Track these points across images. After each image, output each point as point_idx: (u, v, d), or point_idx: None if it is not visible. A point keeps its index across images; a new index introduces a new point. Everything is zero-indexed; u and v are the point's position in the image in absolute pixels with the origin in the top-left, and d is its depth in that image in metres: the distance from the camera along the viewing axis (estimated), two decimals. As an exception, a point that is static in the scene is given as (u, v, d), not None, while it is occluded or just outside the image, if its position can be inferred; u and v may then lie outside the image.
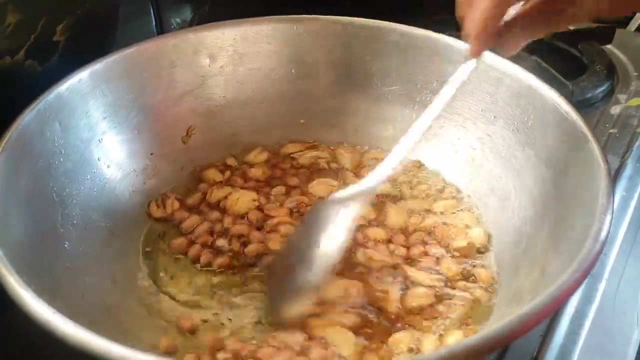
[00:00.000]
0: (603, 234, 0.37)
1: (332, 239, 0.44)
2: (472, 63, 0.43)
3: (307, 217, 0.49)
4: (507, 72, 0.52)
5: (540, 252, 0.44)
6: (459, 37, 0.56)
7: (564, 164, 0.46)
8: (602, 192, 0.40)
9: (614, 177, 0.60)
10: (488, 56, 0.54)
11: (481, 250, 0.50)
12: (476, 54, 0.42)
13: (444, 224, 0.53)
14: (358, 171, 0.59)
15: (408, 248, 0.51)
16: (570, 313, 0.47)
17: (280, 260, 0.49)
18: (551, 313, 0.42)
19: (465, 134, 0.55)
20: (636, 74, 0.78)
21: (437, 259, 0.50)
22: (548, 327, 0.46)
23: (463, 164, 0.56)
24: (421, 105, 0.58)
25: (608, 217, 0.38)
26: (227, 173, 0.58)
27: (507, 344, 0.44)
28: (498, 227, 0.51)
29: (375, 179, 0.44)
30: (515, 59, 0.53)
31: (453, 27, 0.79)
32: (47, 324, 0.33)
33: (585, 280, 0.48)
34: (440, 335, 0.44)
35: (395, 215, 0.54)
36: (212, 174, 0.58)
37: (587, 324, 0.47)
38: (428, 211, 0.54)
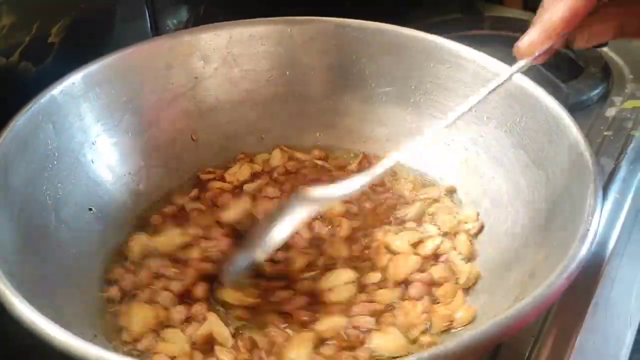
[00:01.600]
0: (590, 234, 0.37)
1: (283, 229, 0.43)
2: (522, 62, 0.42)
3: (282, 204, 0.49)
4: (499, 73, 0.52)
5: (531, 253, 0.44)
6: (453, 39, 0.56)
7: (554, 165, 0.46)
8: (590, 193, 0.40)
9: (608, 180, 0.60)
10: (480, 57, 0.54)
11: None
12: (533, 50, 0.40)
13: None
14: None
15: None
16: (563, 314, 0.47)
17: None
18: (540, 313, 0.42)
19: (458, 134, 0.55)
20: (631, 76, 0.78)
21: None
22: (541, 328, 0.46)
23: (456, 164, 0.56)
24: (415, 106, 0.58)
25: (595, 219, 0.38)
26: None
27: (497, 344, 0.44)
28: (490, 229, 0.51)
29: (358, 183, 0.41)
30: (510, 61, 0.53)
31: (451, 29, 0.80)
32: (36, 329, 0.33)
33: (578, 282, 0.49)
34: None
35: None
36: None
37: (580, 325, 0.47)
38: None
